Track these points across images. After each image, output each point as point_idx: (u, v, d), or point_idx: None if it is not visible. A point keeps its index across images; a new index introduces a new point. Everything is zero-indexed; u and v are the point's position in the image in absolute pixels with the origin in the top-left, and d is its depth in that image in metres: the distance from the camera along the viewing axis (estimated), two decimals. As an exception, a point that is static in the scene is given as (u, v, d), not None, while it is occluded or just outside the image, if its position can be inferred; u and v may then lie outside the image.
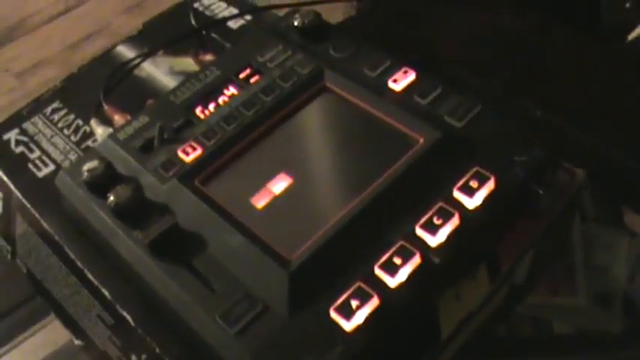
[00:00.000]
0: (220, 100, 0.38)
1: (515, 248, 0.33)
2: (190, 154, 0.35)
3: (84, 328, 0.40)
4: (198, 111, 0.37)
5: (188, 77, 0.40)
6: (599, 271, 0.48)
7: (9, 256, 0.45)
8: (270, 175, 0.33)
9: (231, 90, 0.38)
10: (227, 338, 0.28)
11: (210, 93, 0.38)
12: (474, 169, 0.31)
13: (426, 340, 0.30)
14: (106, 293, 0.35)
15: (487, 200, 0.31)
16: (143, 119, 0.38)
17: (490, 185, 0.31)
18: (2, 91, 1.69)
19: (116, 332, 0.36)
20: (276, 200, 0.32)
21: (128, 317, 0.33)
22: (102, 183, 0.35)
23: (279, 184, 0.33)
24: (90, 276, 0.36)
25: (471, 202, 0.31)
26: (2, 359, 0.45)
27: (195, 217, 0.32)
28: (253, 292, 0.29)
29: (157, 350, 0.32)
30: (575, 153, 0.51)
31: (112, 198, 0.33)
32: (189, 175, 0.34)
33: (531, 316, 0.46)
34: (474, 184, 0.31)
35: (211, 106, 0.37)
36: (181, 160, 0.35)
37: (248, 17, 0.48)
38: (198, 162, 0.35)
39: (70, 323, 0.42)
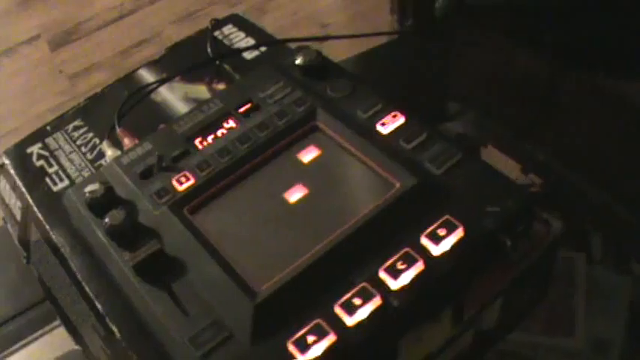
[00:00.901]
0: (219, 133, 0.40)
1: (482, 296, 0.34)
2: (184, 184, 0.37)
3: (82, 335, 0.43)
4: (197, 142, 0.40)
5: (193, 108, 0.42)
6: (600, 315, 0.48)
7: (24, 261, 0.48)
8: (253, 209, 0.35)
9: (231, 123, 0.40)
10: (192, 361, 0.30)
11: (211, 125, 0.40)
12: (445, 217, 0.33)
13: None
14: (99, 307, 0.37)
15: (454, 248, 0.32)
16: (147, 146, 0.40)
17: (459, 233, 0.32)
18: (54, 92, 1.76)
19: (107, 343, 0.38)
20: (257, 233, 0.34)
21: (116, 331, 0.36)
22: (101, 204, 0.37)
23: (261, 219, 0.35)
24: (87, 289, 0.38)
25: (437, 249, 0.32)
26: (12, 357, 0.48)
27: (180, 244, 0.34)
28: (222, 319, 0.31)
29: (137, 365, 0.34)
30: (575, 198, 0.52)
31: (107, 220, 0.36)
32: (180, 203, 0.36)
33: (524, 355, 0.46)
34: (441, 231, 0.32)
35: (210, 138, 0.40)
36: (174, 189, 0.37)
37: (263, 49, 0.51)
38: (190, 192, 0.37)
39: (72, 329, 0.44)
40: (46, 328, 0.49)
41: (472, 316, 0.34)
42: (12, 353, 0.50)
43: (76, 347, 0.44)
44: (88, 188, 0.38)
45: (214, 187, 0.37)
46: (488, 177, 0.35)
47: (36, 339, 0.50)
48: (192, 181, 0.37)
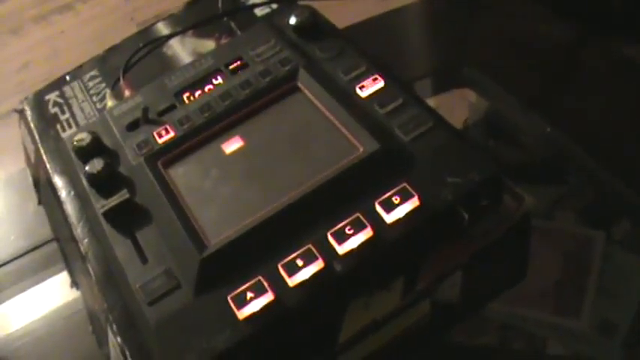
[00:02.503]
0: (206, 89, 0.41)
1: (437, 268, 0.33)
2: (163, 137, 0.38)
3: (77, 277, 0.45)
4: (185, 97, 0.41)
5: (187, 63, 0.43)
6: (611, 297, 0.47)
7: (37, 201, 0.51)
8: (221, 167, 0.36)
9: (219, 80, 0.41)
10: (141, 306, 0.32)
11: (200, 81, 0.41)
12: (402, 185, 0.32)
13: (321, 340, 0.32)
14: (82, 249, 0.39)
15: (407, 217, 0.32)
16: (137, 99, 0.41)
17: (414, 202, 0.32)
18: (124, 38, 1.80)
19: (89, 283, 0.40)
20: (220, 190, 0.35)
21: (91, 273, 0.37)
22: (87, 152, 0.39)
23: (226, 176, 0.36)
24: (74, 232, 0.40)
25: (389, 217, 0.32)
26: (22, 294, 0.51)
27: (149, 195, 0.36)
28: (173, 269, 0.32)
29: (105, 306, 0.36)
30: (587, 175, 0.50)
31: (87, 168, 0.37)
32: (156, 156, 0.37)
33: (528, 331, 0.46)
34: (396, 199, 0.32)
35: (197, 94, 0.40)
36: (155, 142, 0.38)
37: (274, 6, 0.51)
38: (167, 145, 0.38)
39: (71, 270, 0.47)
40: (55, 267, 0.51)
41: (426, 287, 0.34)
42: (22, 290, 0.53)
43: (74, 289, 0.46)
44: (77, 137, 0.40)
45: (190, 141, 0.38)
46: (456, 147, 0.34)
47: (45, 278, 0.53)
48: (171, 135, 0.38)
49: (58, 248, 0.48)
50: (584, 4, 0.56)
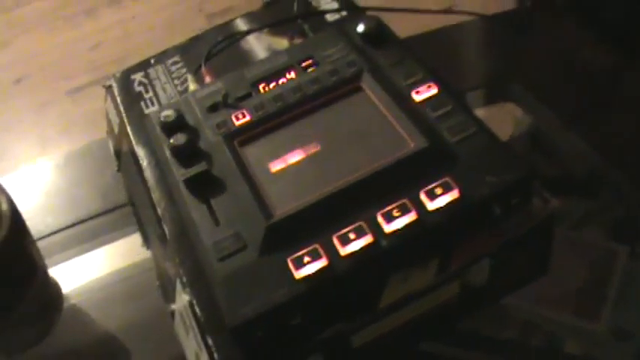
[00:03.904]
0: (280, 82, 0.46)
1: (468, 253, 0.38)
2: (240, 120, 0.44)
3: (149, 237, 0.51)
4: (261, 87, 0.46)
5: (265, 58, 0.49)
6: (630, 308, 0.51)
7: (116, 168, 0.57)
8: (289, 149, 0.42)
9: (292, 75, 0.46)
10: (212, 262, 0.37)
11: (275, 74, 0.47)
12: (445, 179, 0.37)
13: (363, 304, 0.37)
14: (159, 211, 0.45)
15: (447, 207, 0.37)
16: (218, 85, 0.47)
17: (454, 195, 0.37)
18: (192, 28, 1.88)
19: (161, 243, 0.46)
20: (288, 169, 0.41)
21: (166, 232, 0.43)
22: (171, 127, 0.45)
23: (295, 157, 0.41)
24: (152, 196, 0.46)
25: (432, 205, 0.37)
26: (96, 250, 0.58)
27: (225, 168, 0.41)
28: (242, 233, 0.38)
29: (177, 261, 0.41)
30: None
31: (171, 140, 0.43)
32: (233, 135, 0.43)
33: (548, 330, 0.50)
34: (438, 190, 0.37)
35: (271, 85, 0.46)
36: (232, 123, 0.44)
37: (344, 13, 0.56)
38: (243, 127, 0.43)
39: (143, 231, 0.53)
40: (129, 229, 0.57)
41: (458, 269, 0.39)
42: (93, 247, 0.60)
43: (144, 248, 0.52)
44: (164, 112, 0.46)
45: (264, 126, 0.43)
46: (495, 151, 0.39)
47: (118, 238, 0.59)
48: (247, 119, 0.44)
49: (132, 212, 0.54)
50: (628, 30, 0.60)
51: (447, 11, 0.59)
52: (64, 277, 0.54)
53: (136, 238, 0.53)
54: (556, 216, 0.40)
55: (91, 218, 0.59)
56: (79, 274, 0.56)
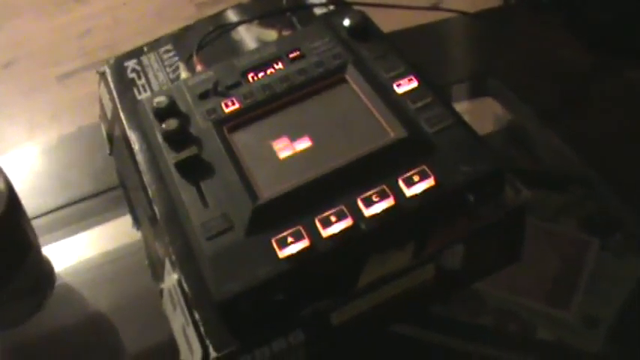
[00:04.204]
0: (268, 72, 0.48)
1: (443, 237, 0.41)
2: (229, 107, 0.46)
3: (139, 218, 0.53)
4: (250, 76, 0.48)
5: (254, 48, 0.51)
6: (599, 296, 0.53)
7: (108, 152, 0.59)
8: (276, 136, 0.44)
9: (280, 65, 0.48)
10: (200, 241, 0.40)
11: (263, 64, 0.49)
12: (422, 167, 0.40)
13: (343, 283, 0.40)
14: (150, 193, 0.47)
15: (424, 193, 0.39)
16: (209, 74, 0.49)
17: (430, 182, 0.39)
18: (182, 16, 1.90)
19: (151, 223, 0.48)
20: (274, 155, 0.43)
21: (157, 213, 0.45)
22: (163, 113, 0.47)
23: (280, 144, 0.43)
24: (144, 178, 0.48)
25: (409, 192, 0.39)
26: (87, 231, 0.60)
27: (214, 152, 0.43)
28: (229, 214, 0.40)
29: (167, 240, 0.43)
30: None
31: (163, 125, 0.45)
32: (222, 122, 0.45)
33: (522, 317, 0.53)
34: (415, 178, 0.39)
35: (260, 75, 0.48)
36: (222, 110, 0.46)
37: (331, 7, 0.58)
38: (232, 114, 0.45)
39: (133, 212, 0.55)
40: (118, 211, 0.59)
41: (433, 253, 0.41)
42: (85, 228, 0.62)
43: (134, 228, 0.54)
44: (157, 99, 0.48)
45: (252, 113, 0.45)
46: (471, 142, 0.41)
47: (109, 219, 0.61)
48: (236, 106, 0.46)
49: (123, 194, 0.56)
50: (609, 32, 0.62)
51: (431, 8, 0.61)
52: (56, 257, 0.56)
53: (126, 220, 0.55)
54: (528, 206, 0.43)
55: (83, 200, 0.61)
56: (70, 253, 0.58)
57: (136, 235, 0.53)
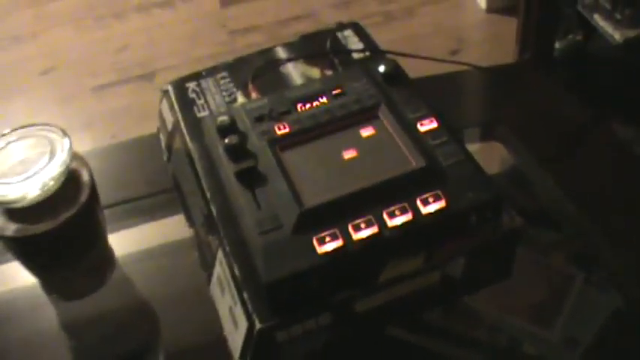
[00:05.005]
0: (314, 104, 0.58)
1: (449, 250, 0.50)
2: (281, 130, 0.56)
3: (193, 217, 0.63)
4: (299, 106, 0.58)
5: (303, 84, 0.61)
6: (579, 321, 0.60)
7: (165, 159, 0.68)
8: (319, 157, 0.54)
9: (324, 99, 0.59)
10: (254, 235, 0.49)
11: (310, 97, 0.59)
12: (436, 191, 0.50)
13: (367, 278, 0.49)
14: (207, 194, 0.56)
15: (436, 212, 0.49)
16: (264, 101, 0.59)
17: (442, 204, 0.49)
18: (214, 42, 2.02)
19: (207, 222, 0.57)
20: (317, 172, 0.53)
21: (214, 212, 0.55)
22: (225, 130, 0.57)
23: (323, 163, 0.53)
24: (203, 183, 0.57)
25: (425, 210, 0.49)
26: (141, 226, 0.69)
27: (268, 165, 0.53)
28: (279, 216, 0.50)
29: (221, 234, 0.53)
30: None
31: (226, 140, 0.55)
32: (275, 141, 0.55)
33: (509, 334, 0.59)
34: (431, 199, 0.49)
35: (307, 105, 0.58)
36: (274, 132, 0.56)
37: (367, 53, 0.69)
38: (284, 136, 0.55)
39: (187, 213, 0.64)
40: (171, 211, 0.69)
41: (439, 262, 0.51)
42: (138, 224, 0.71)
43: (188, 225, 0.63)
44: (220, 118, 0.58)
45: (300, 137, 0.55)
46: (477, 175, 0.51)
47: (159, 218, 0.71)
48: (287, 130, 0.56)
49: (177, 197, 0.65)
50: (603, 92, 0.72)
51: (450, 61, 0.72)
52: (115, 244, 0.65)
53: (174, 220, 0.65)
54: (523, 238, 0.52)
55: (138, 199, 0.71)
56: (126, 244, 0.68)
57: (181, 233, 0.63)
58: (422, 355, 0.58)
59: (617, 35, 1.45)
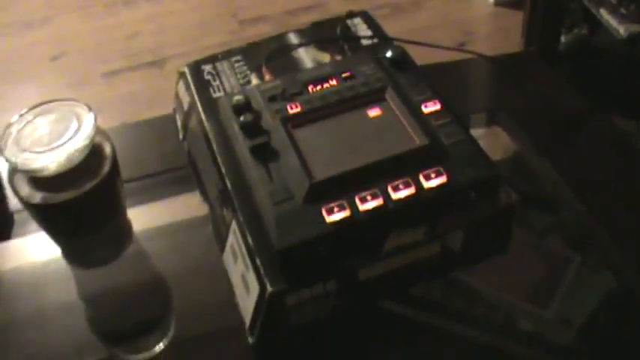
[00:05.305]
0: (325, 85, 0.62)
1: (449, 222, 0.54)
2: (293, 109, 0.59)
3: (208, 192, 0.66)
4: (310, 87, 0.62)
5: (314, 67, 0.64)
6: (573, 301, 0.62)
7: (181, 138, 0.72)
8: (329, 134, 0.57)
9: (334, 82, 0.62)
10: (269, 205, 0.53)
11: (321, 79, 0.62)
12: (438, 168, 0.53)
13: (372, 247, 0.53)
14: (222, 169, 0.60)
15: (438, 187, 0.53)
16: (277, 82, 0.63)
17: (443, 179, 0.53)
18: (225, 31, 2.05)
19: (222, 195, 0.61)
20: (327, 147, 0.56)
21: (228, 185, 0.58)
22: (240, 109, 0.60)
23: (333, 140, 0.57)
24: (218, 159, 0.61)
25: (427, 184, 0.53)
26: (144, 206, 0.72)
27: (280, 142, 0.57)
28: (291, 188, 0.53)
29: (235, 205, 0.57)
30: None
31: (241, 118, 0.59)
32: (287, 120, 0.58)
33: (507, 311, 0.62)
34: (433, 174, 0.53)
35: (318, 87, 0.62)
36: (287, 111, 0.59)
37: (376, 40, 0.72)
38: (296, 115, 0.59)
39: (202, 188, 0.68)
40: (187, 187, 0.72)
41: (440, 234, 0.54)
42: (153, 201, 0.75)
43: (203, 201, 0.66)
44: (236, 97, 0.61)
45: (311, 115, 0.59)
46: (476, 153, 0.55)
47: (178, 194, 0.74)
48: (299, 109, 0.59)
49: (192, 173, 0.69)
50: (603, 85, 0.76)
51: (456, 49, 0.75)
52: (133, 218, 0.69)
53: (193, 196, 0.68)
54: (515, 207, 0.56)
55: (155, 175, 0.75)
56: (143, 218, 0.71)
57: (196, 207, 0.66)
58: (420, 330, 0.61)
59: (621, 30, 1.49)
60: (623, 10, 1.50)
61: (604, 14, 1.52)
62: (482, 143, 0.57)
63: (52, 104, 0.60)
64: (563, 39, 1.56)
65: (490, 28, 2.01)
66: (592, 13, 1.55)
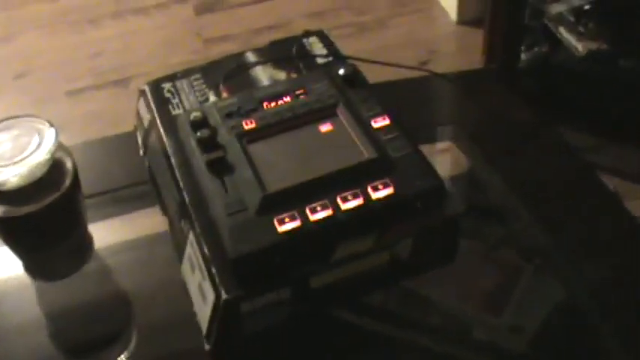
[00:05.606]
0: (279, 102, 0.64)
1: (396, 232, 0.57)
2: (248, 125, 0.62)
3: (167, 206, 0.68)
4: (265, 104, 0.64)
5: (269, 84, 0.67)
6: (525, 309, 0.65)
7: (142, 153, 0.74)
8: (282, 149, 0.60)
9: (288, 99, 0.65)
10: (223, 216, 0.55)
11: (276, 97, 0.65)
12: (385, 179, 0.56)
13: (321, 256, 0.55)
14: (180, 183, 0.62)
15: (385, 198, 0.55)
16: (233, 99, 0.65)
17: (389, 190, 0.55)
18: (188, 50, 2.07)
19: (180, 209, 0.63)
20: (280, 161, 0.59)
21: (186, 199, 0.61)
22: (197, 125, 0.62)
23: (286, 154, 0.59)
24: (176, 173, 0.63)
25: (374, 195, 0.55)
26: (117, 217, 0.74)
27: (236, 156, 0.59)
28: (245, 200, 0.56)
29: (193, 217, 0.59)
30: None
31: (198, 134, 0.61)
32: (242, 135, 0.61)
33: (462, 319, 0.65)
34: (380, 186, 0.55)
35: (273, 104, 0.64)
36: (243, 127, 0.62)
37: (330, 58, 0.75)
38: (250, 131, 0.61)
39: (162, 203, 0.70)
40: (146, 202, 0.74)
41: (388, 243, 0.57)
42: (114, 215, 0.77)
43: (162, 215, 0.68)
44: (193, 114, 0.63)
45: (265, 131, 0.61)
46: (422, 165, 0.58)
47: (137, 209, 0.76)
48: (254, 125, 0.62)
49: (153, 188, 0.71)
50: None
51: (412, 67, 0.78)
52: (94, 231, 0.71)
53: (153, 210, 0.70)
54: (461, 217, 0.59)
55: (117, 190, 0.76)
56: (104, 231, 0.73)
57: (156, 222, 0.68)
58: (374, 339, 0.63)
59: (580, 47, 1.54)
60: (581, 29, 1.56)
61: (563, 32, 1.58)
62: (434, 158, 0.60)
63: (13, 120, 0.62)
64: (523, 56, 1.61)
65: (453, 46, 2.06)
66: (552, 32, 1.60)
